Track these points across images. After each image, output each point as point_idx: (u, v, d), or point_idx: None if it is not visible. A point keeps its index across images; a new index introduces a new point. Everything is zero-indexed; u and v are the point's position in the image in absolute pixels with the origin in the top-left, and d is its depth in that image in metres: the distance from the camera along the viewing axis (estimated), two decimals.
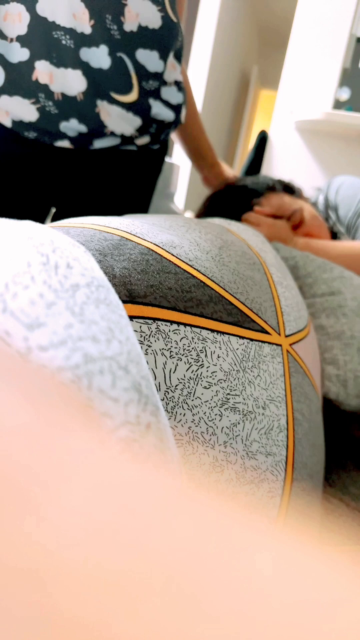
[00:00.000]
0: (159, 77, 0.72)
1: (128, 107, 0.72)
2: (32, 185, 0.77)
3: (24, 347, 0.15)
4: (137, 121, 0.74)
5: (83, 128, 0.71)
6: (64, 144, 0.73)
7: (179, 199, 3.00)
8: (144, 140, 0.78)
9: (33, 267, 0.18)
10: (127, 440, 0.16)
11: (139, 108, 0.73)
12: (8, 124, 0.70)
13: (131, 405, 0.17)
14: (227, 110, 3.57)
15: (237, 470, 0.34)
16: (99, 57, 0.66)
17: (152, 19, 0.67)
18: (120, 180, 0.81)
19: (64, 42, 0.65)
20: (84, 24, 0.64)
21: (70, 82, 0.67)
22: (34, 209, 0.80)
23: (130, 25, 0.66)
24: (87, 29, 0.64)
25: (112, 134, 0.74)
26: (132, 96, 0.71)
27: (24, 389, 0.10)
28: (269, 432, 0.36)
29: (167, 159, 1.02)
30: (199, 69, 2.88)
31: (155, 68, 0.71)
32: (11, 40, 0.65)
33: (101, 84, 0.69)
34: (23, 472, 0.07)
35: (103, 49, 0.66)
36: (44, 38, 0.64)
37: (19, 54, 0.65)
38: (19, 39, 0.64)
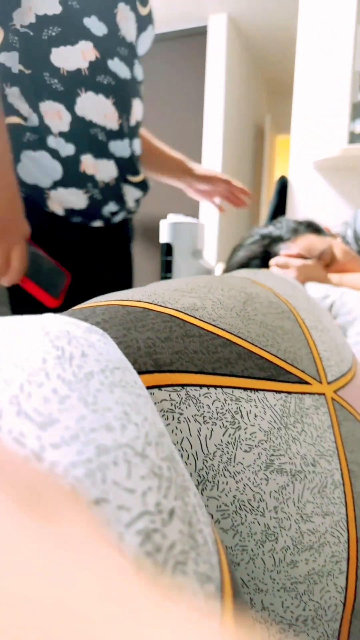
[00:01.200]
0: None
1: (136, 185, 0.85)
2: (81, 264, 0.84)
3: (38, 446, 0.15)
4: (139, 194, 0.88)
5: (115, 208, 0.83)
6: (98, 223, 0.83)
7: (210, 254, 3.05)
8: (137, 208, 0.93)
9: (48, 362, 0.19)
10: (146, 531, 0.15)
11: (143, 184, 0.87)
12: (60, 212, 0.78)
13: (150, 494, 0.16)
14: (247, 161, 3.69)
15: (293, 536, 0.32)
16: (123, 148, 0.79)
17: (141, 112, 0.85)
18: (127, 244, 0.95)
19: (99, 137, 0.76)
20: (112, 122, 0.76)
21: (107, 171, 0.78)
22: (87, 286, 0.86)
23: (134, 120, 0.82)
24: (115, 126, 0.77)
25: (126, 208, 0.87)
26: (141, 177, 0.86)
27: (28, 497, 0.10)
28: (323, 490, 0.34)
29: (191, 219, 1.06)
30: (214, 127, 3.02)
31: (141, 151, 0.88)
32: (55, 135, 0.73)
33: (124, 170, 0.81)
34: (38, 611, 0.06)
35: (126, 141, 0.80)
36: (85, 134, 0.74)
37: (66, 149, 0.74)
38: (62, 134, 0.73)
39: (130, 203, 0.86)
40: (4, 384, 0.17)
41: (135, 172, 0.84)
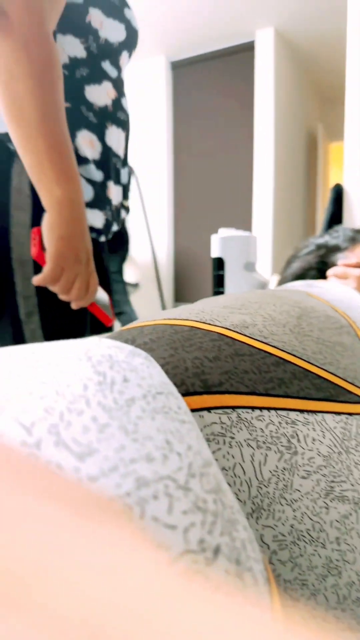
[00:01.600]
0: None
1: (126, 208, 0.97)
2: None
3: (75, 479, 0.15)
4: (126, 215, 0.99)
5: (116, 228, 0.92)
6: (103, 239, 0.89)
7: (264, 266, 3.01)
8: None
9: (89, 389, 0.18)
10: (187, 572, 0.14)
11: (128, 207, 0.98)
12: None
13: (192, 530, 0.15)
14: (300, 169, 3.63)
15: (358, 571, 0.29)
16: (125, 175, 0.90)
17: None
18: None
19: (117, 165, 0.85)
20: (122, 152, 0.86)
21: (118, 196, 0.87)
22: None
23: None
24: (122, 156, 0.87)
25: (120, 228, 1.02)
26: (128, 201, 0.96)
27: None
28: None
29: (242, 232, 1.04)
30: (265, 140, 3.00)
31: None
32: (90, 162, 0.80)
33: (124, 195, 0.92)
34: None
35: (126, 169, 0.90)
36: (110, 163, 0.82)
37: (96, 175, 0.81)
38: (95, 161, 0.80)
39: (123, 223, 0.99)
40: (44, 413, 0.17)
41: (127, 197, 0.95)
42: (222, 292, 1.05)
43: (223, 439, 0.27)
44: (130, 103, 3.47)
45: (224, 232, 1.05)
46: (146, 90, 3.39)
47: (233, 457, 0.27)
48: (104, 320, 0.79)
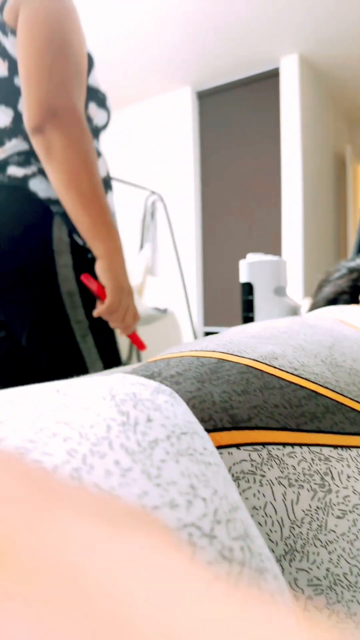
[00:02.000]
0: None
1: None
2: None
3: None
4: None
5: None
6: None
7: (295, 290, 2.98)
8: None
9: (112, 430, 0.18)
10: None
11: None
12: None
13: (217, 583, 0.14)
14: (329, 192, 3.61)
15: None
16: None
17: None
18: None
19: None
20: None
21: None
22: None
23: None
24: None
25: None
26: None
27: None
28: None
29: (271, 257, 1.04)
30: (292, 164, 3.02)
31: None
32: None
33: None
34: None
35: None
36: (109, 185, 0.99)
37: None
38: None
39: None
40: (67, 456, 0.17)
41: None
42: (251, 317, 1.04)
43: (253, 477, 0.27)
44: (157, 133, 3.57)
45: (252, 257, 1.05)
46: (172, 121, 3.48)
47: (264, 495, 0.26)
48: (140, 346, 0.88)
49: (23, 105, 0.76)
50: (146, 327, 3.43)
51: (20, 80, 0.78)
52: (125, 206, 3.72)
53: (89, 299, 0.85)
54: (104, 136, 3.73)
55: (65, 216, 0.82)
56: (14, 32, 0.78)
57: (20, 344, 0.87)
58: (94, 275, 0.82)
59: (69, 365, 0.84)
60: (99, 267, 0.79)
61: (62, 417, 0.19)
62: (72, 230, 0.83)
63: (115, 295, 0.79)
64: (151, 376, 0.31)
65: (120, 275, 0.80)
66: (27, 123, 0.75)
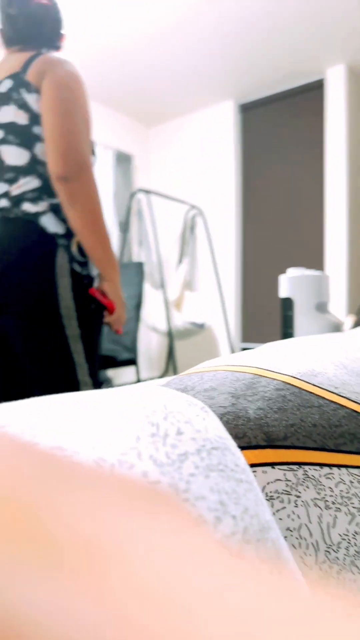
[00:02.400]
0: None
1: None
2: None
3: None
4: None
5: None
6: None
7: (339, 306, 2.91)
8: None
9: (141, 441, 0.18)
10: None
11: None
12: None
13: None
14: None
15: None
16: None
17: None
18: None
19: None
20: None
21: None
22: None
23: None
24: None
25: None
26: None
27: None
28: None
29: (313, 272, 1.02)
30: (338, 174, 2.97)
31: None
32: None
33: None
34: None
35: None
36: None
37: None
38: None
39: None
40: (95, 465, 0.16)
41: None
42: (291, 334, 1.02)
43: (288, 498, 0.26)
44: (199, 147, 3.61)
45: (292, 271, 1.03)
46: (214, 134, 3.51)
47: (299, 517, 0.25)
48: (109, 306, 1.14)
49: (43, 152, 1.01)
50: (183, 341, 3.43)
51: (43, 131, 0.99)
52: (165, 220, 3.76)
53: (81, 313, 1.07)
54: (144, 148, 3.81)
55: (67, 248, 1.04)
56: (36, 91, 1.00)
57: (15, 350, 1.08)
58: (90, 294, 1.11)
59: (60, 364, 1.04)
60: (108, 288, 1.10)
61: (91, 425, 0.19)
62: (71, 259, 1.05)
63: (121, 308, 1.14)
64: (184, 389, 0.31)
65: (119, 294, 1.13)
66: (53, 171, 0.97)
